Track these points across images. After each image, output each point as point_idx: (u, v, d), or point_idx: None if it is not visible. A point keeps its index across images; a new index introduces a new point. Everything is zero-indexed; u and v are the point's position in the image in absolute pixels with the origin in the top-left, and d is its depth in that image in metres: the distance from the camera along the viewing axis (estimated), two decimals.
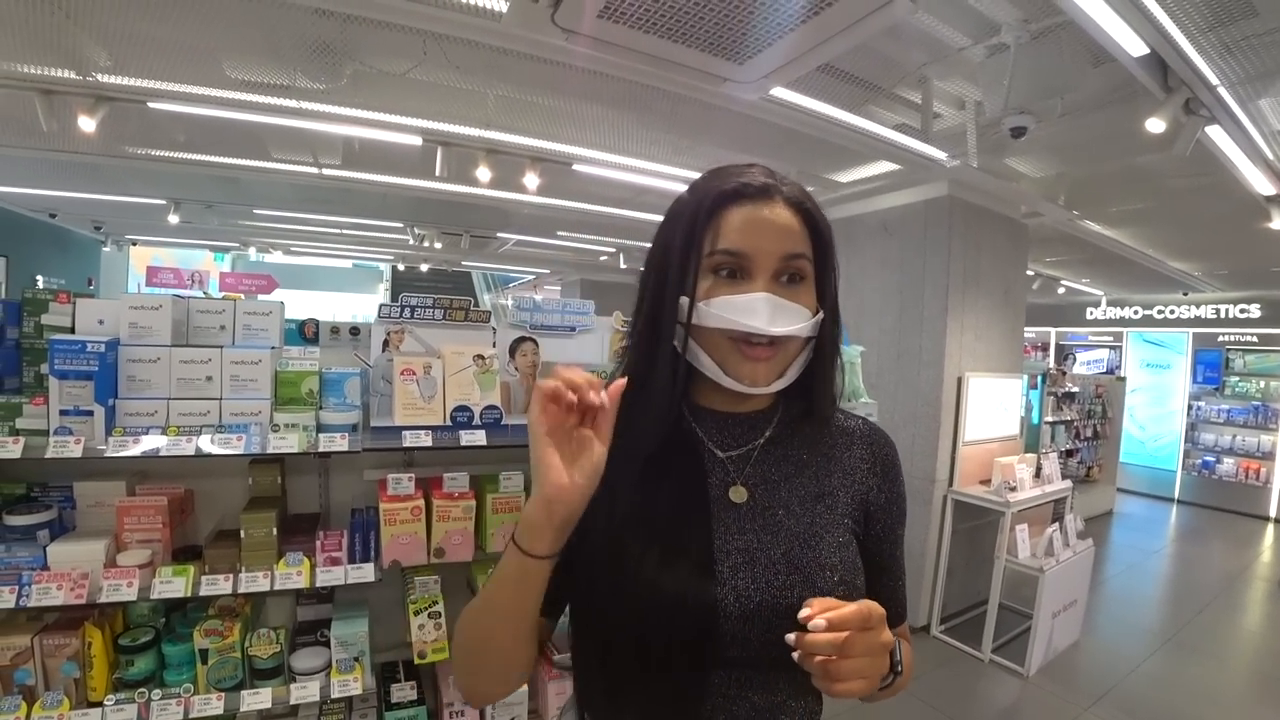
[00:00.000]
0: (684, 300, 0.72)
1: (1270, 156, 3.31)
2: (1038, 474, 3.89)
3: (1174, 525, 7.29)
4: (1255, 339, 7.94)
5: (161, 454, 1.30)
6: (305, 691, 1.46)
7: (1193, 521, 7.42)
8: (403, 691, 1.59)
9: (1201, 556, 6.12)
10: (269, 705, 1.43)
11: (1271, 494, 7.48)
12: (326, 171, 4.25)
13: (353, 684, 1.47)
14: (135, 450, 1.30)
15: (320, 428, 1.41)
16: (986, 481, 3.89)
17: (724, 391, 0.75)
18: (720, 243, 0.71)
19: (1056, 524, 3.70)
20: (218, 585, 1.38)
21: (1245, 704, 3.37)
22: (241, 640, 1.45)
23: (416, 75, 2.77)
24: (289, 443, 1.35)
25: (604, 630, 0.73)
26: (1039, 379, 5.96)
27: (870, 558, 0.79)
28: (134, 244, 8.19)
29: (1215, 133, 2.84)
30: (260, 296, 3.36)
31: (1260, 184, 3.53)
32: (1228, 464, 7.92)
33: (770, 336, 0.70)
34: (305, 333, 2.07)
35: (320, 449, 1.37)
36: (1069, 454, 6.71)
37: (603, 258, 8.08)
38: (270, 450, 1.36)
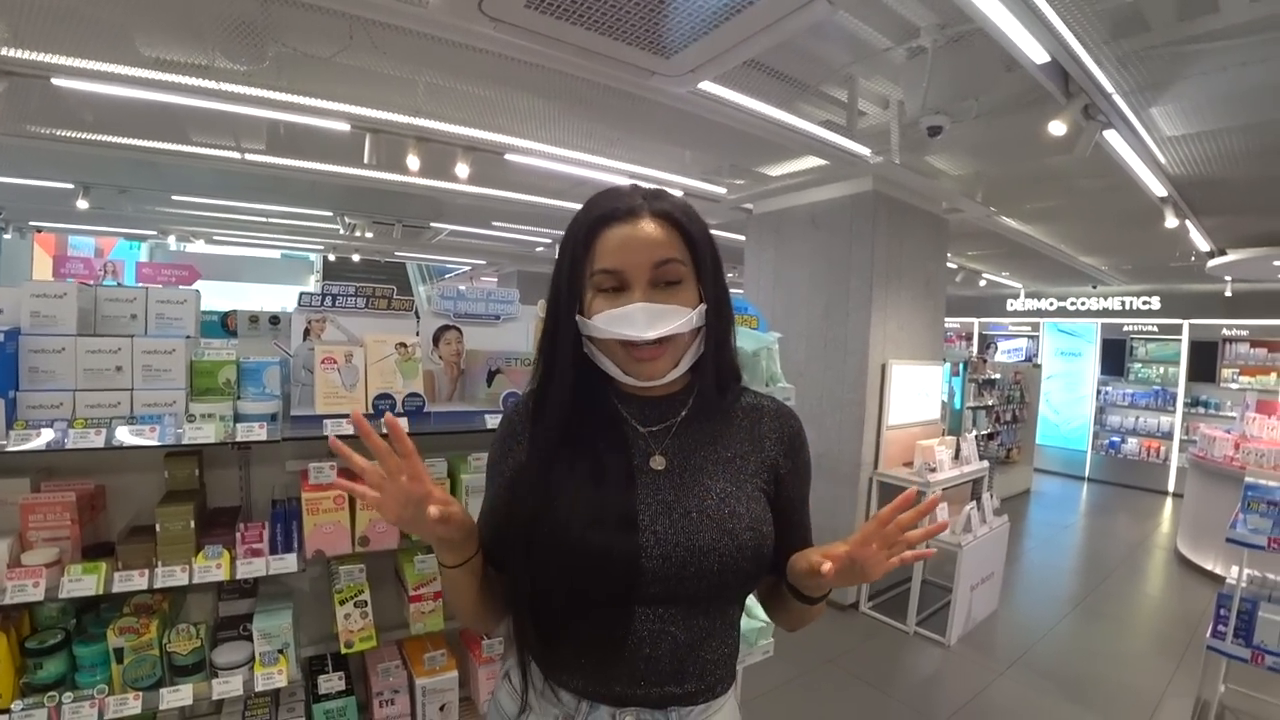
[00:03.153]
0: (578, 317, 0.84)
1: (1162, 161, 3.58)
2: (957, 455, 4.11)
3: (1084, 501, 7.81)
4: (1155, 329, 8.55)
5: (67, 447, 1.26)
6: (228, 686, 1.43)
7: (1101, 497, 7.96)
8: (330, 682, 1.58)
9: (1108, 529, 6.59)
10: (190, 702, 1.40)
11: (1170, 470, 8.10)
12: (250, 157, 4.09)
13: (277, 676, 1.45)
14: (38, 443, 1.24)
15: (238, 418, 1.38)
16: (910, 464, 4.09)
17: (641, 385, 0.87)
18: (598, 263, 0.82)
19: (974, 502, 3.93)
20: (132, 582, 1.34)
21: (1144, 661, 3.67)
22: (159, 637, 1.41)
23: (343, 60, 2.71)
24: (205, 433, 1.33)
25: (539, 580, 0.84)
26: (961, 366, 6.27)
27: (781, 516, 0.91)
28: (38, 230, 7.67)
29: (1112, 137, 3.05)
30: (181, 287, 3.21)
31: (1154, 186, 3.80)
32: (1131, 444, 8.52)
33: (651, 340, 0.80)
34: (228, 325, 2.00)
35: (238, 439, 1.34)
36: (990, 437, 7.08)
37: (539, 249, 8.04)
38: (186, 441, 1.33)
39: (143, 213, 6.23)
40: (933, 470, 3.86)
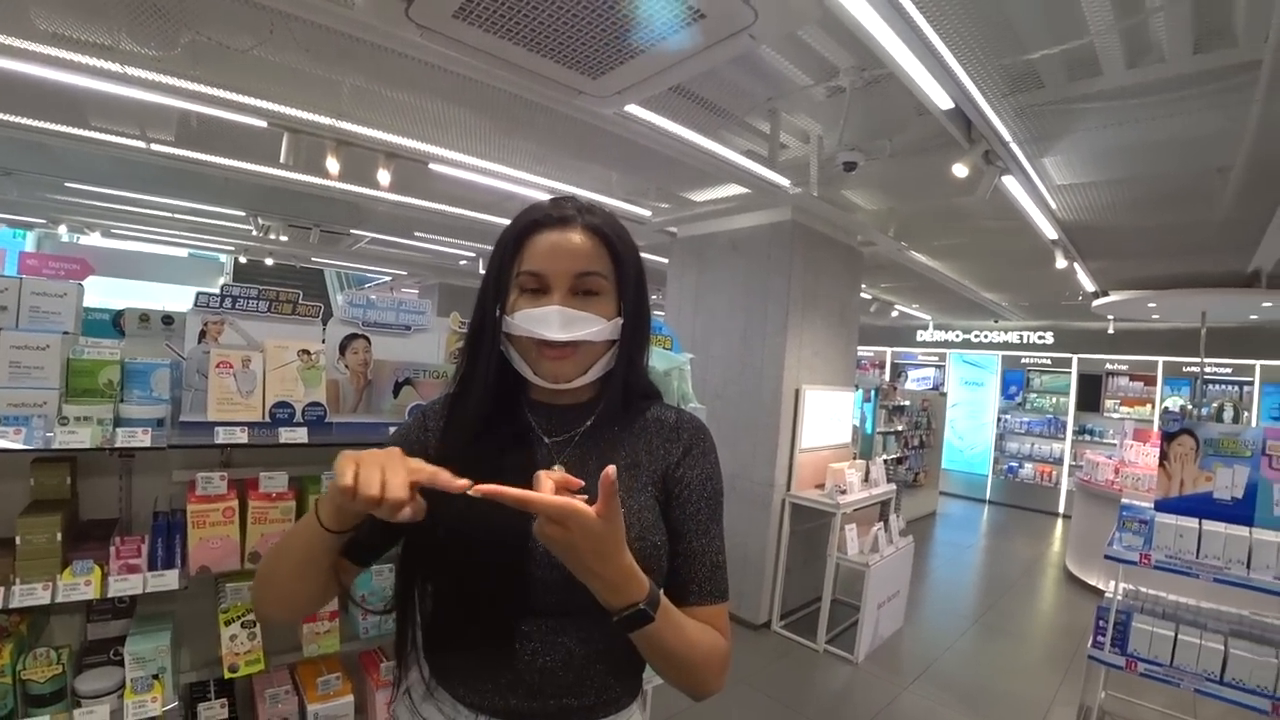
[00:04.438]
0: (499, 313, 0.87)
1: (1053, 206, 3.89)
2: (866, 478, 4.27)
3: (985, 523, 8.26)
4: (1049, 361, 9.23)
5: None
6: (92, 717, 1.31)
7: (1000, 519, 8.44)
8: (211, 710, 1.47)
9: (1006, 549, 6.98)
10: None
11: (1060, 493, 8.69)
12: (157, 147, 3.84)
13: (150, 704, 1.34)
14: None
15: (120, 421, 1.28)
16: (821, 486, 4.22)
17: (548, 387, 0.88)
18: (525, 264, 0.86)
19: (882, 523, 4.09)
20: None
21: (1036, 672, 3.90)
22: (13, 663, 1.28)
23: (262, 54, 2.59)
24: (80, 437, 1.22)
25: (432, 585, 0.86)
26: (873, 393, 6.55)
27: (671, 526, 0.89)
28: None
29: (1010, 182, 3.29)
30: (67, 282, 2.97)
31: (1047, 229, 4.12)
32: (1028, 468, 9.11)
33: (561, 341, 0.84)
34: (120, 325, 1.86)
35: (118, 445, 1.24)
36: (899, 461, 7.40)
37: (462, 262, 7.91)
38: (56, 446, 1.22)
39: (30, 198, 5.72)
40: (843, 492, 4.00)
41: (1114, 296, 6.13)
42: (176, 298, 9.70)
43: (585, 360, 0.88)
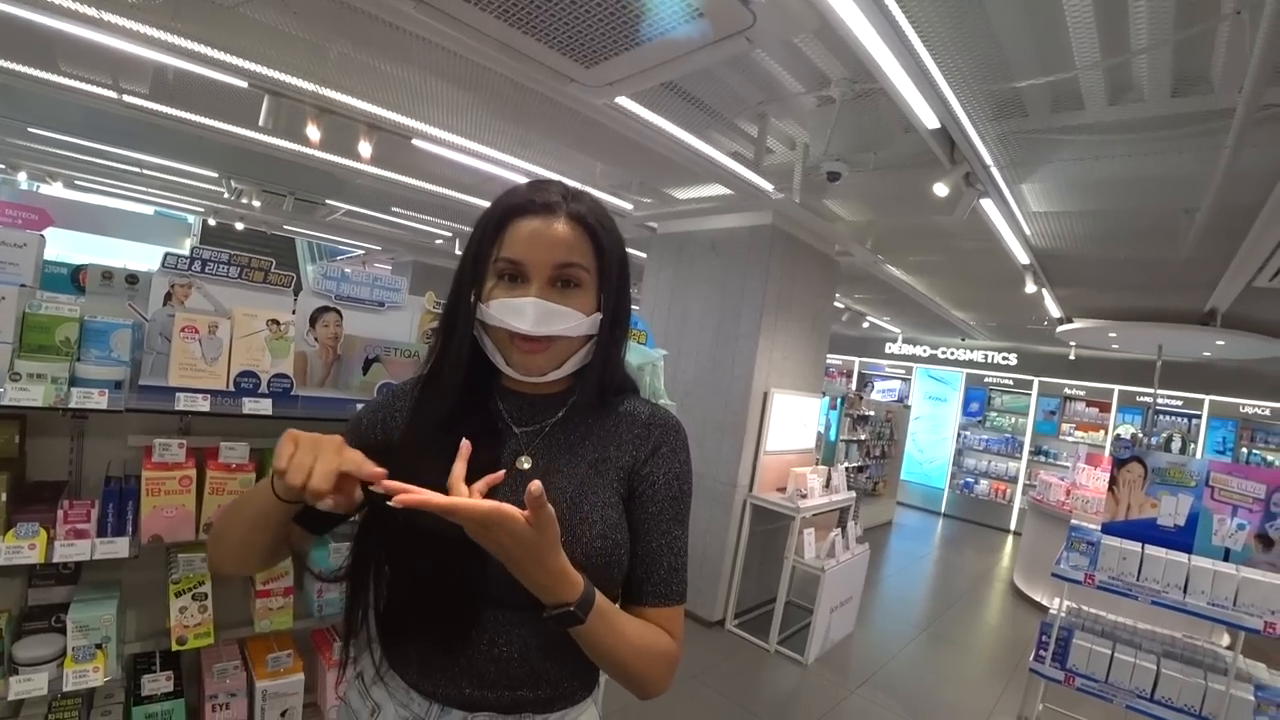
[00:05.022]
0: (474, 300, 0.85)
1: (1027, 232, 3.98)
2: (827, 484, 4.34)
3: (939, 535, 8.45)
4: (1011, 382, 9.45)
5: None
6: (29, 685, 1.26)
7: (953, 532, 8.65)
8: (156, 683, 1.43)
9: (957, 561, 7.16)
10: None
11: (1013, 510, 8.93)
12: (129, 99, 3.70)
13: (92, 675, 1.30)
14: None
15: (75, 381, 1.23)
16: (783, 489, 4.27)
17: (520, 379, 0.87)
18: (504, 251, 0.83)
19: (839, 529, 4.16)
20: None
21: (978, 682, 4.02)
22: None
23: (248, 12, 2.52)
24: (32, 395, 1.17)
25: (390, 572, 0.84)
26: (839, 401, 6.65)
27: (633, 524, 0.88)
28: None
29: (988, 205, 3.35)
30: (24, 231, 2.85)
31: (1019, 253, 4.21)
32: (983, 485, 9.33)
33: (536, 335, 0.82)
34: (79, 280, 1.80)
35: (72, 405, 1.20)
36: (860, 469, 7.53)
37: (438, 241, 7.80)
38: (7, 403, 1.17)
39: None
40: (804, 496, 4.05)
41: (1077, 324, 6.31)
42: (139, 256, 9.38)
43: (561, 354, 0.86)
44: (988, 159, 2.92)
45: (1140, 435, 8.07)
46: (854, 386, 10.45)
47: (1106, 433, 8.53)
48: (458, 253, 7.71)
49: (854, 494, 4.64)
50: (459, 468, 0.74)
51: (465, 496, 0.71)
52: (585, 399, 0.90)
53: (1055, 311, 6.09)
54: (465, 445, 0.76)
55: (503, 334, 0.84)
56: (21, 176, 6.71)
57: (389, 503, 0.66)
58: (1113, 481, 2.94)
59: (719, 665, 3.75)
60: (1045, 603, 5.36)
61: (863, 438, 7.55)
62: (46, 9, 2.59)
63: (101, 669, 1.31)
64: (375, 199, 5.97)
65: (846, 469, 4.91)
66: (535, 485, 0.66)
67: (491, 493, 0.80)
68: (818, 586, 3.88)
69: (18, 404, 1.17)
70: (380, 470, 0.70)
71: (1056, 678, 2.79)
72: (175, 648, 1.37)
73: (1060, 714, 3.33)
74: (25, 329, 1.27)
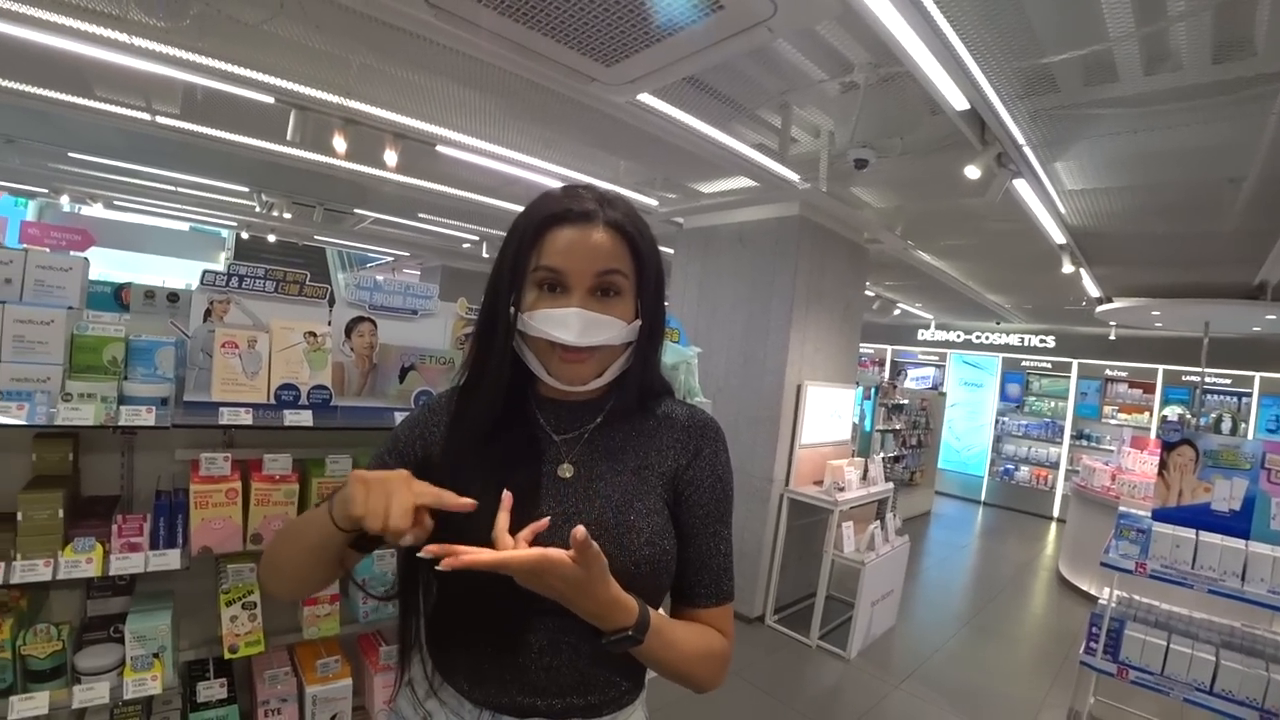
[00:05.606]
0: (513, 310, 0.83)
1: (1063, 211, 3.87)
2: (864, 476, 4.28)
3: (979, 524, 8.29)
4: (1049, 365, 9.22)
5: None
6: (92, 693, 1.31)
7: (994, 521, 8.47)
8: (210, 690, 1.47)
9: (999, 551, 7.01)
10: (45, 710, 1.27)
11: (1055, 497, 8.72)
12: (162, 120, 3.81)
13: (150, 683, 1.34)
14: None
15: (123, 399, 1.27)
16: (819, 482, 4.23)
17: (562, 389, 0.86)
18: (543, 260, 0.82)
19: (878, 521, 4.10)
20: None
21: (1025, 675, 3.92)
22: (13, 639, 1.27)
23: (272, 28, 2.57)
24: (83, 414, 1.21)
25: (439, 586, 0.85)
26: (873, 391, 6.55)
27: (679, 527, 0.88)
28: None
29: (1021, 185, 3.27)
30: (72, 253, 2.94)
31: (1055, 233, 4.10)
32: (1024, 471, 9.13)
33: (580, 346, 0.81)
34: (122, 298, 1.85)
35: (121, 423, 1.23)
36: (896, 459, 7.42)
37: (465, 245, 7.87)
38: (59, 422, 1.21)
39: (33, 167, 5.68)
40: (841, 490, 4.00)
41: (1118, 303, 6.12)
42: (177, 271, 9.67)
43: (603, 363, 0.85)
44: (1020, 138, 2.84)
45: (1188, 416, 7.81)
46: (887, 375, 10.29)
47: (1151, 414, 8.27)
48: (485, 256, 7.82)
49: (892, 485, 4.57)
50: (503, 520, 0.74)
51: (511, 548, 0.71)
52: (624, 405, 0.90)
53: (1094, 291, 5.92)
54: (507, 497, 0.75)
55: (544, 344, 0.83)
56: (64, 199, 6.95)
57: (437, 567, 0.67)
58: (1162, 466, 2.85)
59: (760, 661, 3.73)
60: (1094, 593, 5.21)
61: (898, 427, 7.44)
62: (82, 38, 2.67)
63: (159, 677, 1.34)
64: (402, 206, 6.05)
65: (883, 459, 4.84)
66: (580, 531, 0.67)
67: (536, 501, 0.82)
68: (858, 580, 3.83)
69: (70, 423, 1.20)
70: (468, 501, 0.71)
71: (1109, 671, 2.72)
72: (228, 655, 1.41)
73: (1113, 708, 3.24)
74: (74, 350, 1.31)
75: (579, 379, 0.84)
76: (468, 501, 0.71)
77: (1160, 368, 8.24)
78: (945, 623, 4.66)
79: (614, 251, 0.83)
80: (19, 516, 1.26)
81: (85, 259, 1.45)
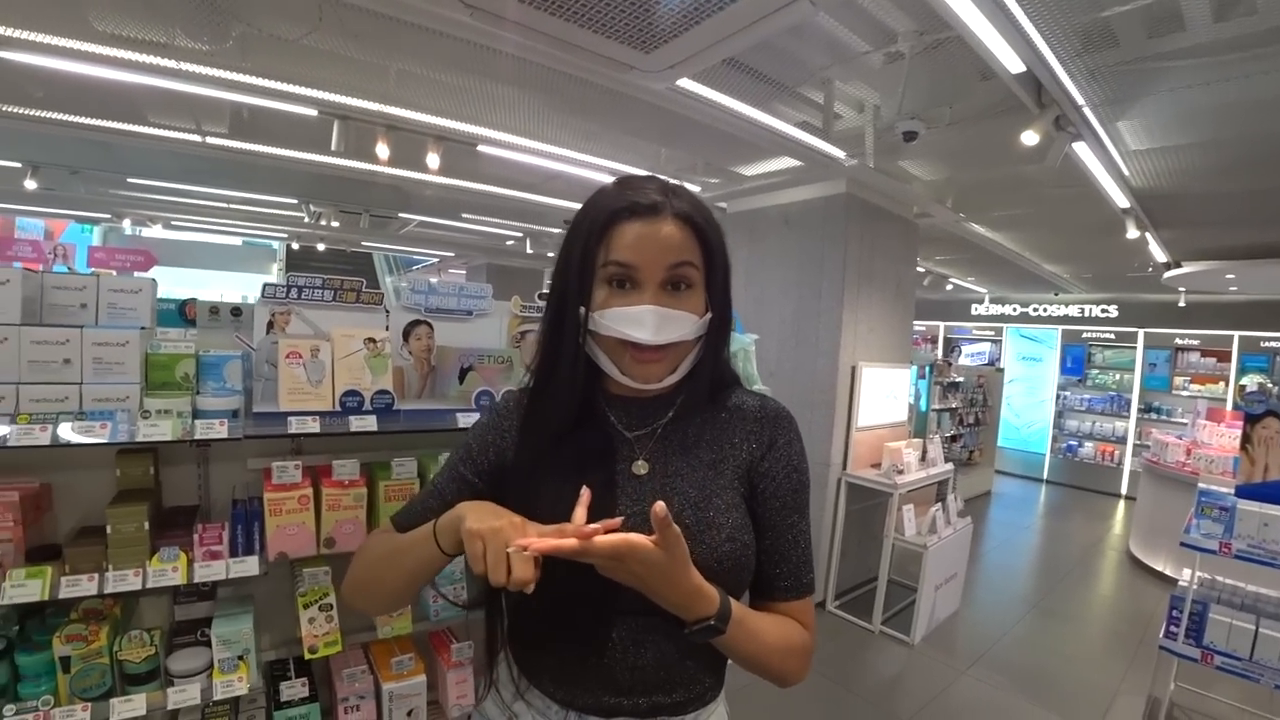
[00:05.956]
0: (583, 310, 0.81)
1: (1126, 173, 3.67)
2: (923, 457, 4.17)
3: (1042, 503, 8.01)
4: (1113, 336, 8.82)
5: (10, 444, 1.18)
6: (184, 695, 1.37)
7: (1058, 499, 8.18)
8: (293, 689, 1.52)
9: (1064, 531, 6.77)
10: (143, 712, 1.33)
11: (1123, 474, 8.36)
12: (211, 140, 3.94)
13: (237, 684, 1.39)
14: None
15: (197, 414, 1.31)
16: (877, 465, 4.14)
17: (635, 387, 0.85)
18: (613, 255, 0.79)
19: (939, 504, 3.99)
20: (80, 586, 1.27)
21: (1099, 660, 3.77)
22: (110, 645, 1.34)
23: (311, 42, 2.62)
24: (161, 430, 1.26)
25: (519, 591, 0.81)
26: (927, 369, 6.38)
27: (756, 520, 0.86)
28: None
29: (1081, 149, 3.11)
30: (136, 274, 3.06)
31: (1118, 197, 3.90)
32: (1088, 447, 8.78)
33: (655, 344, 0.79)
34: (186, 314, 1.92)
35: (197, 437, 1.28)
36: (954, 439, 7.22)
37: (509, 242, 7.94)
38: (140, 439, 1.26)
39: (96, 195, 5.97)
40: (900, 472, 3.91)
41: (1188, 268, 5.80)
42: (234, 284, 10.05)
43: (676, 359, 0.84)
44: (1079, 98, 2.70)
45: (1270, 385, 7.36)
46: (940, 352, 10.00)
47: (1228, 384, 7.81)
48: (530, 252, 7.88)
49: (952, 466, 4.45)
50: (580, 514, 0.73)
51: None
52: (695, 398, 0.88)
53: (1161, 256, 5.62)
54: (585, 493, 0.75)
55: (615, 342, 0.81)
56: (126, 223, 7.29)
57: (525, 552, 0.67)
58: (1245, 440, 2.69)
59: (822, 647, 3.68)
60: (1171, 574, 4.98)
61: (954, 406, 7.23)
62: (133, 68, 2.79)
63: (245, 678, 1.40)
64: (446, 207, 6.14)
65: (940, 439, 4.71)
66: (660, 506, 0.66)
67: (612, 500, 0.81)
68: (919, 564, 3.75)
69: (150, 439, 1.25)
70: (594, 528, 0.70)
71: (1192, 656, 2.59)
72: (308, 656, 1.45)
73: (1196, 694, 3.10)
74: (149, 368, 1.36)
75: (654, 377, 0.83)
76: (594, 529, 0.70)
77: (1236, 334, 7.77)
78: (1011, 606, 4.52)
79: (684, 243, 0.81)
80: (108, 530, 1.32)
81: (153, 280, 1.50)
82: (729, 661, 0.92)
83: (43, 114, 3.63)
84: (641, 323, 0.78)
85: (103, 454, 1.43)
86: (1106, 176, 3.53)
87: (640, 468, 0.85)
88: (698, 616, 0.74)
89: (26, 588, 1.22)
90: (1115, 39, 2.47)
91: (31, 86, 3.17)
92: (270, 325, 1.53)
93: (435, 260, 10.43)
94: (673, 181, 0.85)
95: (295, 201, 6.21)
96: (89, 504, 1.47)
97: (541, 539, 0.67)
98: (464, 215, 6.47)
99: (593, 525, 0.71)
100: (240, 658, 1.40)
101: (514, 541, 0.68)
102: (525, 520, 0.73)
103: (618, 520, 0.73)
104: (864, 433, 4.14)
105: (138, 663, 1.35)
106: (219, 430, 1.29)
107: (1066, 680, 3.48)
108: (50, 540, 1.41)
